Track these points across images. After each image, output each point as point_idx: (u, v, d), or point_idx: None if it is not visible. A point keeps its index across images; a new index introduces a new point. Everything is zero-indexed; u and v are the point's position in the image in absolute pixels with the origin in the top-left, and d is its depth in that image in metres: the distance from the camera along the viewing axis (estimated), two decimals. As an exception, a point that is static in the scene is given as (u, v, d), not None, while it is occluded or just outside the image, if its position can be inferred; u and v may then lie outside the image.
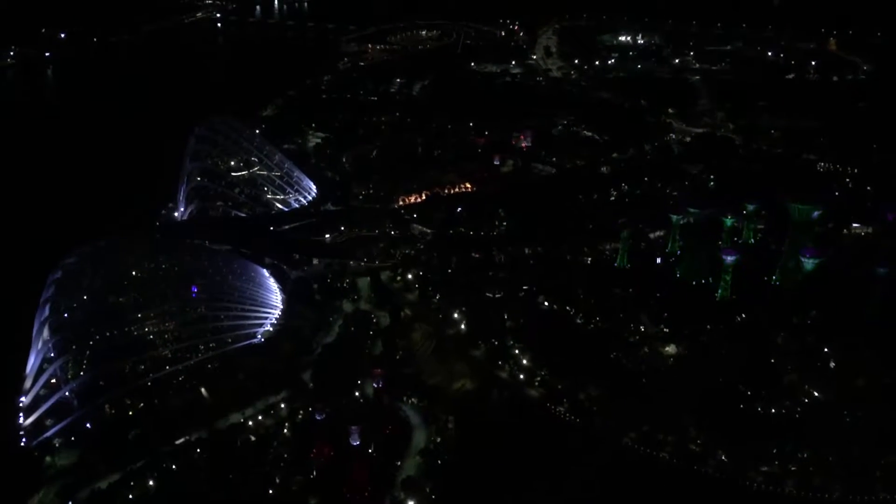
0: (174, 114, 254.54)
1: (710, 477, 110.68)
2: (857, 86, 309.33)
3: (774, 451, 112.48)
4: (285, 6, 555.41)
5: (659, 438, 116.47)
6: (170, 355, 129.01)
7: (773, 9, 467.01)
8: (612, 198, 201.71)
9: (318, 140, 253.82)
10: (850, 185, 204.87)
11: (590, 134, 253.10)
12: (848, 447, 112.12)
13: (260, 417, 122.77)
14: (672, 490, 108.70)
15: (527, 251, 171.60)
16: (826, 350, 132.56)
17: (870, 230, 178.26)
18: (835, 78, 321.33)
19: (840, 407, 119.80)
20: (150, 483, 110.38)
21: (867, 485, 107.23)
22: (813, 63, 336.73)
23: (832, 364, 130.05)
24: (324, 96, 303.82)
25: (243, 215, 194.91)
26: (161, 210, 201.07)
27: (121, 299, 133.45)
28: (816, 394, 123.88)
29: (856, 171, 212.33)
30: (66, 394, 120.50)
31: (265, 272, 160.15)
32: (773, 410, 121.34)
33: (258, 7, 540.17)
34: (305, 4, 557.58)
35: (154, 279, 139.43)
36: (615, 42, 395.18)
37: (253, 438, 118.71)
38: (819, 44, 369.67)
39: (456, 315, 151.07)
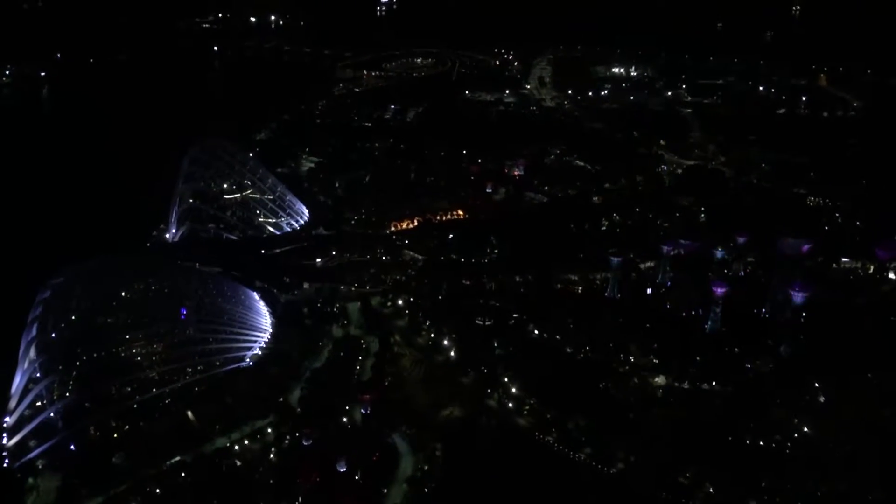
0: (168, 135, 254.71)
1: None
2: (847, 121, 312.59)
3: (763, 484, 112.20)
4: (282, 30, 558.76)
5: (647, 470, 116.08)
6: (157, 377, 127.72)
7: (765, 44, 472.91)
8: (604, 227, 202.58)
9: (312, 164, 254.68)
10: (839, 220, 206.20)
11: (582, 164, 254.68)
12: (835, 482, 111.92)
13: (246, 442, 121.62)
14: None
15: (517, 279, 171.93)
16: (816, 385, 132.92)
17: (859, 265, 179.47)
18: (825, 113, 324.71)
19: (828, 442, 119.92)
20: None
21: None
22: (804, 98, 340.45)
23: (822, 399, 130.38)
24: (318, 121, 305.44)
25: (235, 238, 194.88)
26: (153, 231, 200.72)
27: (109, 320, 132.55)
28: (806, 428, 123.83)
29: (845, 206, 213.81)
30: (51, 415, 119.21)
31: (255, 295, 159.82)
32: (762, 443, 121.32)
33: (254, 30, 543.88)
34: (302, 25, 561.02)
35: (143, 300, 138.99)
36: (608, 73, 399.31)
37: (239, 463, 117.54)
38: (810, 79, 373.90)
39: (445, 342, 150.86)
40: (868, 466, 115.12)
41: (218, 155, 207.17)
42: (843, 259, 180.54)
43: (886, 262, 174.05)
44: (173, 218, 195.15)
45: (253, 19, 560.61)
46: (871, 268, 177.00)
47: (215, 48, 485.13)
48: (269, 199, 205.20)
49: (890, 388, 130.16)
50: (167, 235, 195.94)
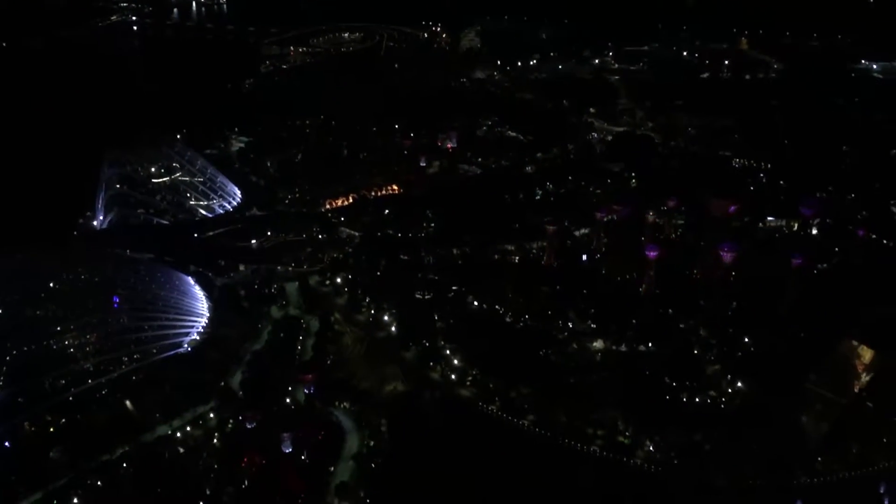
0: (90, 120, 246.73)
1: (639, 468, 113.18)
2: (769, 83, 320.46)
3: (700, 440, 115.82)
4: (203, 9, 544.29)
5: (588, 433, 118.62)
6: (91, 368, 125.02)
7: (687, 10, 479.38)
8: (538, 197, 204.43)
9: (242, 144, 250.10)
10: (764, 181, 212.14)
11: (514, 134, 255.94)
12: (770, 435, 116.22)
13: (188, 429, 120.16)
14: (603, 482, 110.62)
15: (455, 252, 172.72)
16: (746, 340, 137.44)
17: (784, 223, 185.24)
18: (747, 76, 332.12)
19: (763, 396, 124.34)
20: (75, 502, 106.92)
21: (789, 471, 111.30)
22: (726, 62, 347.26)
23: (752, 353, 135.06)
24: (246, 100, 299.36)
25: (165, 222, 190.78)
26: (79, 219, 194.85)
27: (38, 312, 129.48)
28: (739, 384, 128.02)
29: (769, 166, 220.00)
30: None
31: (190, 280, 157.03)
32: (697, 400, 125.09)
33: (175, 10, 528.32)
34: (224, 7, 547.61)
35: (73, 291, 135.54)
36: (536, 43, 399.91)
37: (181, 450, 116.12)
38: (731, 43, 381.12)
39: (386, 318, 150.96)
40: (798, 418, 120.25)
41: (144, 139, 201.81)
42: (769, 218, 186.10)
43: (810, 219, 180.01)
44: (100, 205, 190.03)
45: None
46: (796, 225, 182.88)
47: (135, 28, 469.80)
48: (200, 182, 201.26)
49: (816, 342, 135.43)
50: (94, 223, 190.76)
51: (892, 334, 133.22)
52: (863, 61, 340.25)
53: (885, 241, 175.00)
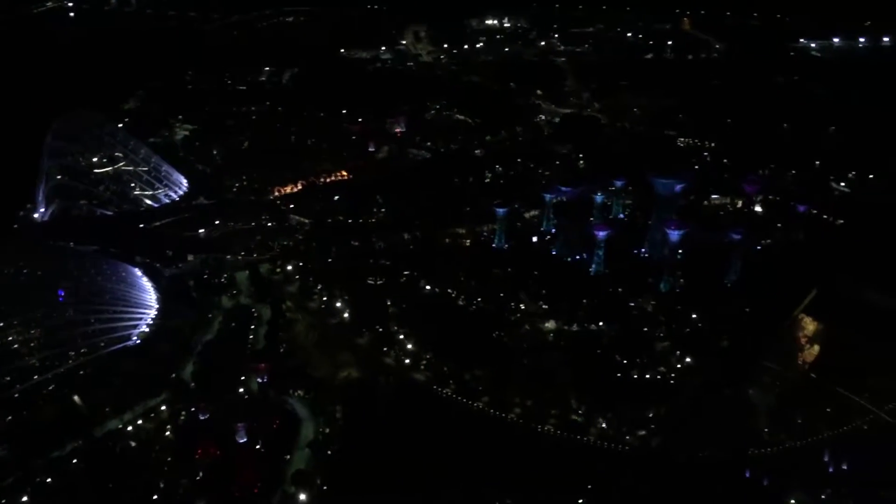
0: (29, 110, 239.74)
1: (593, 445, 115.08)
2: (711, 63, 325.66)
3: (651, 415, 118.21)
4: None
5: (542, 412, 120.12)
6: (37, 364, 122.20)
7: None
8: (487, 180, 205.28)
9: (186, 132, 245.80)
10: (708, 159, 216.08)
11: (462, 117, 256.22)
12: (719, 409, 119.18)
13: (140, 422, 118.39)
14: (559, 460, 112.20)
15: (406, 237, 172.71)
16: (693, 316, 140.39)
17: (728, 200, 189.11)
18: (690, 56, 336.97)
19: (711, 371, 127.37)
20: (25, 500, 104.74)
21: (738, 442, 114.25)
22: (669, 43, 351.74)
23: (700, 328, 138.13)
24: (189, 87, 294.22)
25: (110, 213, 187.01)
26: (19, 212, 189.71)
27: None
28: (688, 359, 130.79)
29: (713, 145, 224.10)
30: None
31: (137, 272, 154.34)
32: (648, 377, 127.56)
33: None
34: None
35: (15, 285, 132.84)
36: (482, 26, 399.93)
37: (133, 444, 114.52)
38: (674, 24, 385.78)
39: (338, 304, 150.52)
40: (746, 391, 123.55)
41: (85, 127, 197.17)
42: (714, 196, 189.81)
43: (753, 196, 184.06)
44: (41, 197, 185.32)
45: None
46: (740, 202, 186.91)
47: (71, 14, 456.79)
48: (144, 171, 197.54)
49: (761, 316, 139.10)
50: (36, 215, 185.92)
51: (835, 306, 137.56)
52: (801, 40, 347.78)
53: (825, 217, 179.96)
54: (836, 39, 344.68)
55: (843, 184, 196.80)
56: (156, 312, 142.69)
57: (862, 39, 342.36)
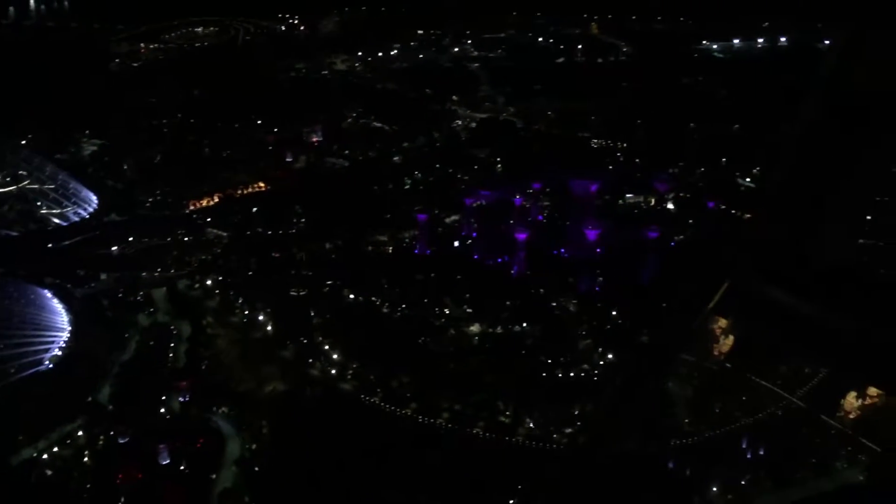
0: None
1: (522, 445, 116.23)
2: (619, 66, 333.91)
3: (577, 413, 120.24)
4: (43, 6, 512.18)
5: (470, 415, 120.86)
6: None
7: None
8: (407, 186, 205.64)
9: (94, 147, 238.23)
10: (621, 159, 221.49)
11: (379, 125, 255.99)
12: (640, 402, 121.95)
13: (56, 449, 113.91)
14: (489, 462, 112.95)
15: (327, 246, 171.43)
16: (614, 314, 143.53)
17: (642, 198, 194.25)
18: (599, 60, 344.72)
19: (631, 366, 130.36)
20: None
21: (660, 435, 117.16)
22: (579, 47, 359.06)
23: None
24: (96, 101, 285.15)
25: (15, 234, 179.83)
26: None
27: None
28: (610, 355, 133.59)
29: (625, 145, 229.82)
30: None
31: (47, 293, 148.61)
32: (572, 374, 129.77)
33: (11, 8, 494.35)
34: (66, 4, 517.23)
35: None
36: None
37: (50, 472, 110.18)
38: (583, 29, 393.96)
39: (261, 317, 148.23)
40: (665, 384, 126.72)
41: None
42: (628, 195, 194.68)
43: (665, 194, 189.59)
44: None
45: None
46: (653, 200, 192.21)
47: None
48: (51, 189, 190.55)
49: (677, 310, 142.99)
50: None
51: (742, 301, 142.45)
52: (703, 42, 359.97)
53: (733, 211, 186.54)
54: (736, 41, 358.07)
55: (748, 179, 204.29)
56: (68, 335, 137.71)
57: (760, 40, 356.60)
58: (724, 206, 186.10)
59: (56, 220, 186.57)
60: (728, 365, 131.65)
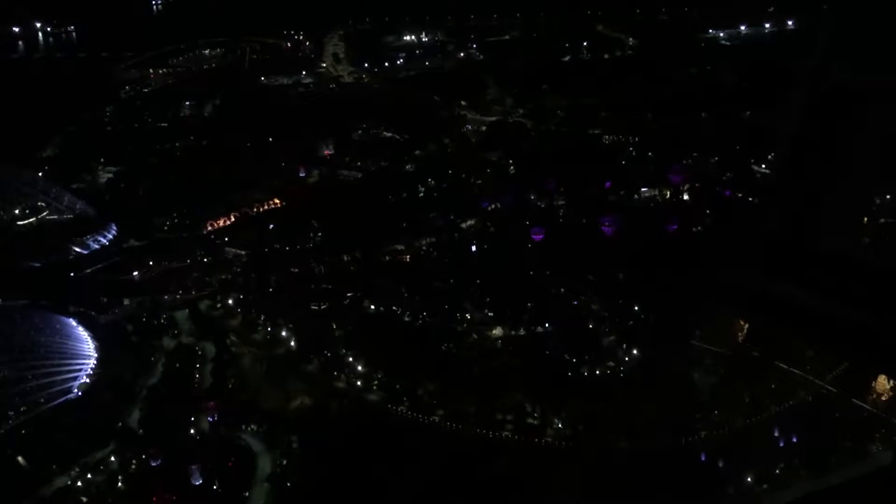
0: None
1: (551, 446, 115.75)
2: (625, 60, 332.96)
3: (605, 409, 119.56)
4: (51, 39, 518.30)
5: (498, 419, 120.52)
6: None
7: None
8: (421, 194, 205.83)
9: (110, 175, 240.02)
10: (633, 153, 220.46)
11: (389, 134, 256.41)
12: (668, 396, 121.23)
13: (89, 476, 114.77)
14: (519, 465, 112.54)
15: (345, 258, 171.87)
16: (636, 308, 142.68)
17: (657, 191, 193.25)
18: (605, 55, 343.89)
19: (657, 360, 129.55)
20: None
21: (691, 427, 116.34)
22: (584, 43, 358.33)
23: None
24: (108, 128, 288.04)
25: (37, 265, 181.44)
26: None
27: None
28: (635, 351, 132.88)
29: (637, 139, 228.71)
30: None
31: (72, 321, 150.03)
32: (598, 372, 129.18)
33: (21, 43, 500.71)
34: (74, 35, 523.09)
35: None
36: (400, 42, 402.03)
37: (85, 500, 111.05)
38: (586, 25, 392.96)
39: (284, 333, 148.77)
40: (691, 375, 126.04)
41: (1, 180, 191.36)
42: (643, 189, 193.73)
43: (680, 186, 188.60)
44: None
45: (16, 29, 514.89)
46: (668, 193, 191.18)
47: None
48: (70, 219, 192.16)
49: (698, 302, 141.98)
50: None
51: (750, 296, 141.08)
52: (710, 31, 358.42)
53: (750, 199, 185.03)
54: (742, 27, 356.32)
55: (763, 166, 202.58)
56: (95, 362, 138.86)
57: (767, 25, 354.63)
58: (741, 195, 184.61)
59: (77, 249, 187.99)
60: (755, 353, 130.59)
